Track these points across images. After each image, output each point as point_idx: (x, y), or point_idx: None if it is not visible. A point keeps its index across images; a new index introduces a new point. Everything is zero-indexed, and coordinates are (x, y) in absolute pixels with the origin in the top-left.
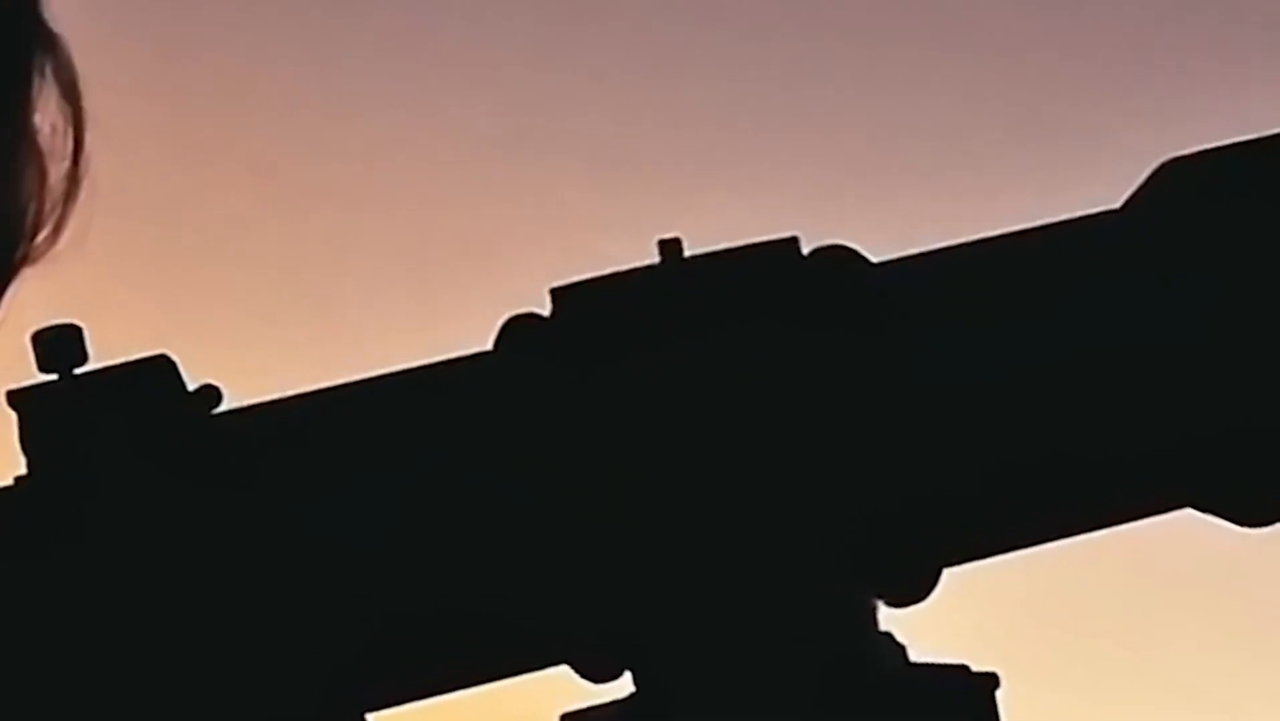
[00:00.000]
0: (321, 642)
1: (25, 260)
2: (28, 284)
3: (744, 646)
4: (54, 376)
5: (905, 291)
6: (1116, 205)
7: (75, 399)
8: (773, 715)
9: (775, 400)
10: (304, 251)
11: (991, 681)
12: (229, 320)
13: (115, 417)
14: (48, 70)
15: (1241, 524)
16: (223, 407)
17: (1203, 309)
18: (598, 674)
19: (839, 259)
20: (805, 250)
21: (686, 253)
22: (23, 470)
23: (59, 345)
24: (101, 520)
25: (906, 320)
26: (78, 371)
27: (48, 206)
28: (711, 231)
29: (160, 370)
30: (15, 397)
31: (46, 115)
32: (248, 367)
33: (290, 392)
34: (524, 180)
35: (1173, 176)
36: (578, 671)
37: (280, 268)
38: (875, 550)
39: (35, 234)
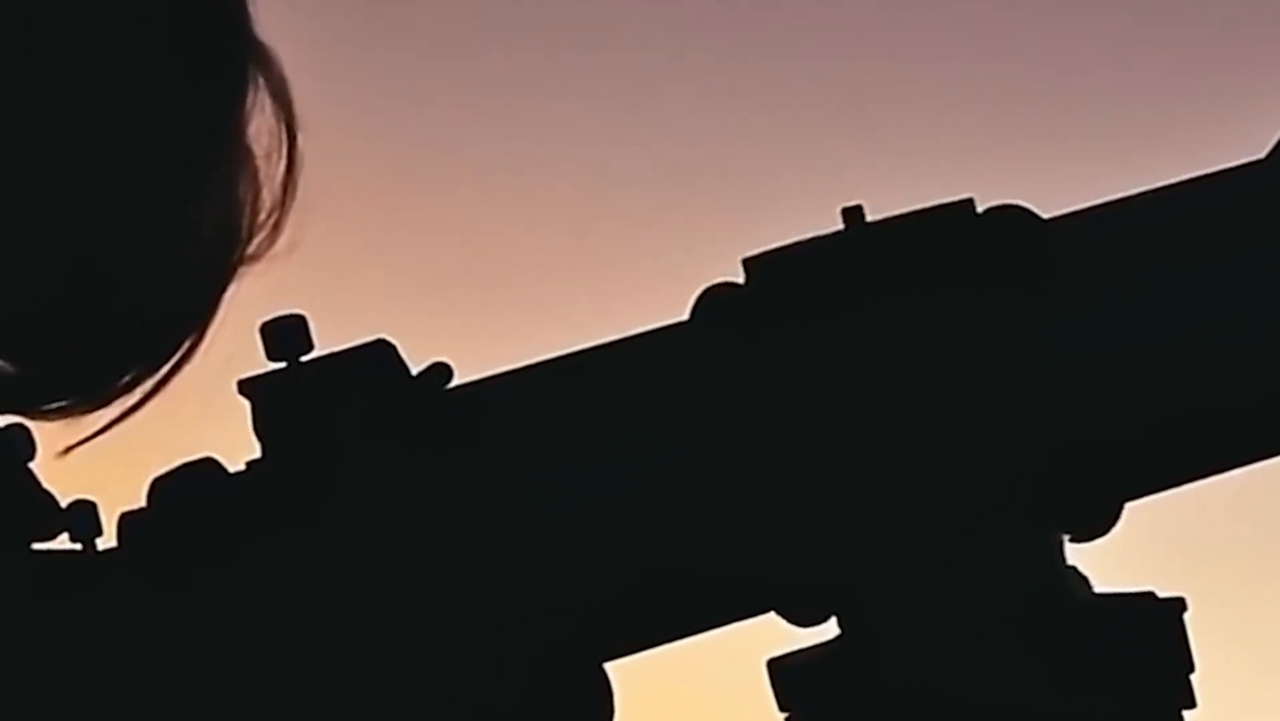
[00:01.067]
0: (561, 601)
1: (245, 260)
2: (246, 278)
3: (943, 586)
4: (283, 364)
5: (1077, 244)
6: (1261, 155)
7: (306, 384)
8: (973, 649)
9: (962, 354)
10: (511, 233)
11: (1179, 605)
12: (441, 305)
13: (357, 397)
14: (260, 81)
15: None
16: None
17: None
18: (806, 618)
19: (1012, 217)
20: (980, 210)
21: (868, 218)
22: (255, 455)
23: (287, 335)
24: (348, 494)
25: (1081, 271)
26: (305, 359)
27: (264, 209)
28: (891, 196)
29: (382, 353)
30: (248, 386)
31: (262, 123)
32: (459, 349)
33: (508, 368)
34: (718, 162)
35: None
36: (786, 617)
37: (490, 250)
38: (1063, 489)
39: (253, 236)
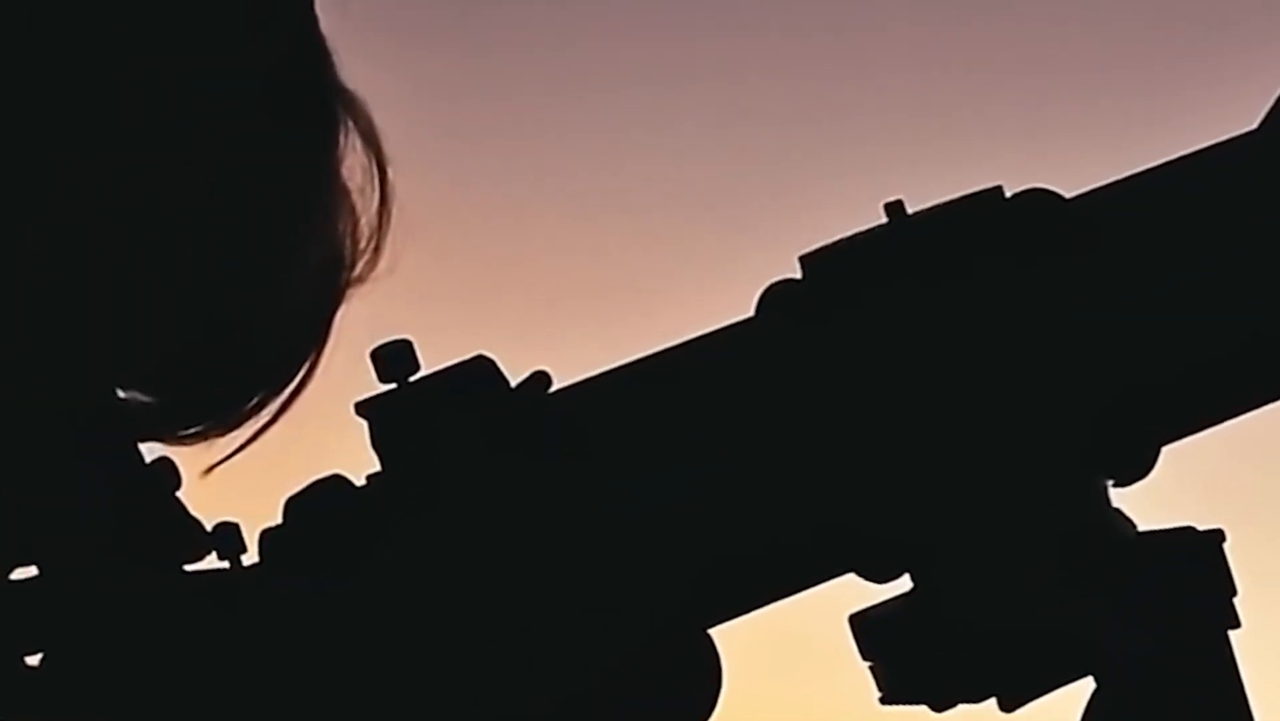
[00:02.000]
0: (669, 576)
1: (351, 283)
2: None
3: (1004, 535)
4: (394, 385)
5: (1099, 218)
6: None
7: (417, 402)
8: (1033, 588)
9: (1007, 326)
10: (586, 251)
11: (1218, 537)
12: (528, 321)
13: (464, 409)
14: (349, 124)
15: None
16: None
17: None
18: (882, 575)
19: (1038, 199)
20: (1008, 194)
21: (909, 211)
22: (374, 469)
23: (395, 358)
24: (464, 496)
25: (1105, 242)
26: (413, 378)
27: (364, 237)
28: (928, 188)
29: (483, 369)
30: (364, 407)
31: (354, 161)
32: (549, 360)
33: (598, 371)
34: (763, 175)
35: None
36: (865, 575)
37: (570, 267)
38: (1106, 441)
39: (356, 262)
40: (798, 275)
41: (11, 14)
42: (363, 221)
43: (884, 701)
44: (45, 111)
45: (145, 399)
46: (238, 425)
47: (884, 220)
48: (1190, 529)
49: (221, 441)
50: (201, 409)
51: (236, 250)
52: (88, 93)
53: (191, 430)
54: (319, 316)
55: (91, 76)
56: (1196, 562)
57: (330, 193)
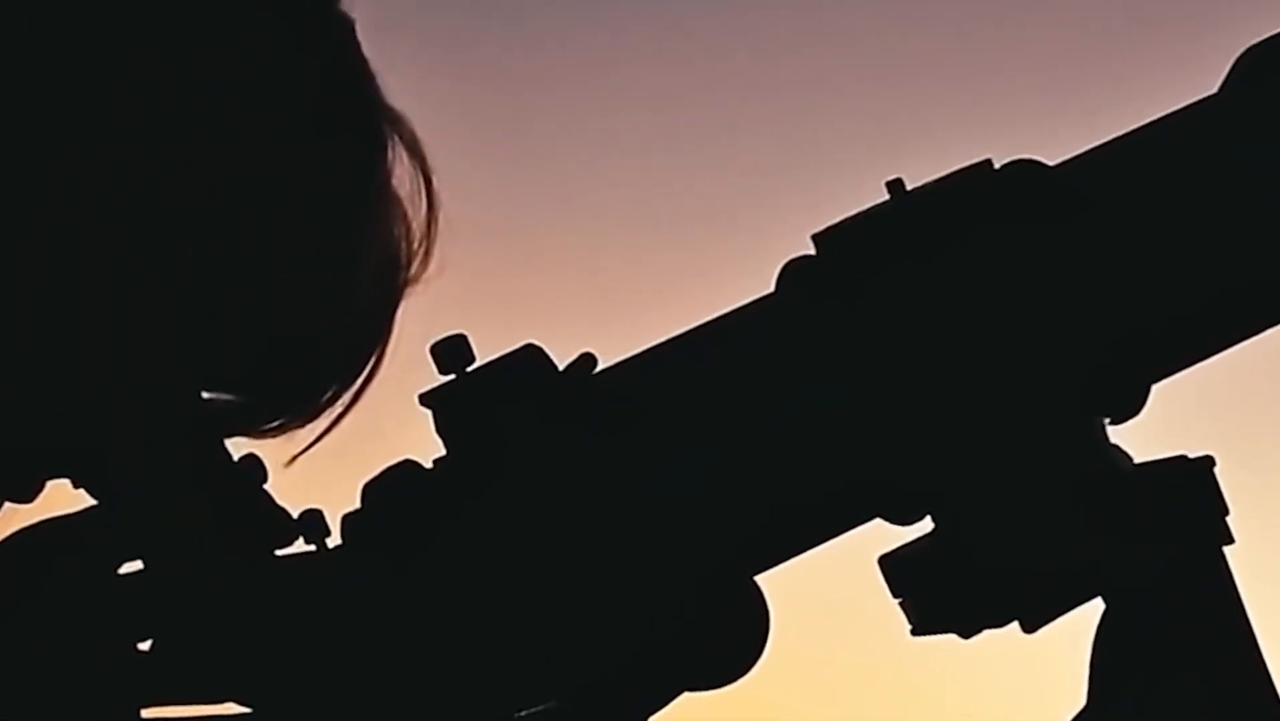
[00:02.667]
0: (717, 528)
1: (407, 284)
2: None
3: (1015, 475)
4: (453, 376)
5: (1081, 181)
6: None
7: (476, 390)
8: (1043, 520)
9: (1005, 286)
10: (615, 247)
11: (1209, 462)
12: (571, 309)
13: (520, 393)
14: (395, 138)
15: None
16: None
17: None
18: (906, 518)
19: (1024, 168)
20: (997, 166)
21: (908, 187)
22: (439, 454)
23: (453, 351)
24: (524, 472)
25: (1088, 202)
26: (470, 369)
27: (415, 242)
28: (924, 168)
29: (533, 356)
30: (428, 397)
31: (402, 171)
32: (591, 341)
33: (644, 348)
34: (785, 166)
35: (1254, 60)
36: (890, 519)
37: (602, 261)
38: (1102, 385)
39: (410, 263)
40: (812, 252)
41: (68, 32)
42: (414, 226)
43: (915, 633)
44: (128, 133)
45: (229, 398)
46: (314, 417)
47: (886, 197)
48: (1182, 457)
49: (301, 433)
50: (281, 404)
51: (302, 256)
52: (167, 114)
53: (273, 424)
54: (381, 313)
55: (166, 104)
56: (1190, 487)
57: (382, 200)
